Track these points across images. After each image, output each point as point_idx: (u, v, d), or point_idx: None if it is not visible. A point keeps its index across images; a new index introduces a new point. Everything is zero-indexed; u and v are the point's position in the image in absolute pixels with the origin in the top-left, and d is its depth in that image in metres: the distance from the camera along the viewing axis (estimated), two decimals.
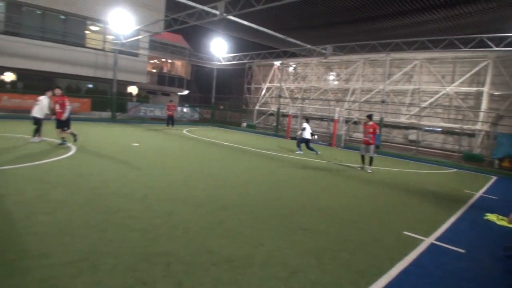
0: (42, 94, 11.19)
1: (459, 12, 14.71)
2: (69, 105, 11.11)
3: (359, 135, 25.13)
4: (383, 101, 20.77)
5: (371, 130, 11.28)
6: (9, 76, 22.65)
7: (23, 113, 19.77)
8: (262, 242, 4.41)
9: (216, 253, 3.96)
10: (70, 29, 23.65)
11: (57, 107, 10.83)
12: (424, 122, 21.90)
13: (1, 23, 21.06)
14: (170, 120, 21.80)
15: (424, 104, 22.13)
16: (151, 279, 3.26)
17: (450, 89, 21.15)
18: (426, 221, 6.31)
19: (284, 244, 4.42)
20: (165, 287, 3.16)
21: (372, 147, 11.28)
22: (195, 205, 5.72)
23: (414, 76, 23.01)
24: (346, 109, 24.91)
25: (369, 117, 11.53)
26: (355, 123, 25.47)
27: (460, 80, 20.84)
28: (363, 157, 11.59)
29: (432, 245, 5.00)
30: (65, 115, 10.86)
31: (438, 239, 5.25)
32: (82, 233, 4.15)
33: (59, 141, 10.87)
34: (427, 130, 22.54)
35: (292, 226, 5.15)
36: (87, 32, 24.64)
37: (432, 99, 21.89)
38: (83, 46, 24.08)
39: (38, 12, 22.33)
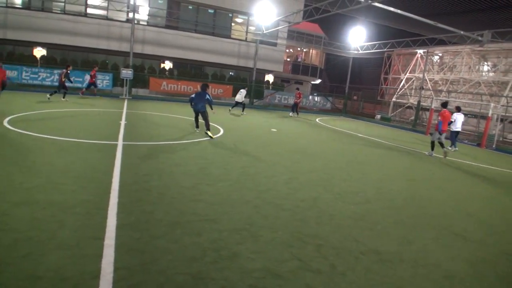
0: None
1: None
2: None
3: None
4: None
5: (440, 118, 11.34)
6: (167, 64, 26.21)
7: (178, 97, 22.78)
8: (410, 240, 4.22)
9: (363, 243, 3.95)
10: (218, 21, 26.01)
11: None
12: None
13: (163, 19, 24.43)
14: (295, 107, 21.80)
15: None
16: (306, 257, 3.46)
17: None
18: None
19: (433, 247, 4.14)
20: (319, 266, 3.32)
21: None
22: (337, 194, 5.78)
23: None
24: (502, 105, 21.44)
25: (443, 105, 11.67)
26: None
27: None
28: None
29: None
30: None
31: None
32: (240, 206, 4.64)
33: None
34: None
35: (441, 229, 4.77)
36: (232, 24, 26.73)
37: None
38: (228, 37, 26.25)
39: (191, 7, 25.14)
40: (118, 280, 2.73)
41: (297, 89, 22.58)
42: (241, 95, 18.07)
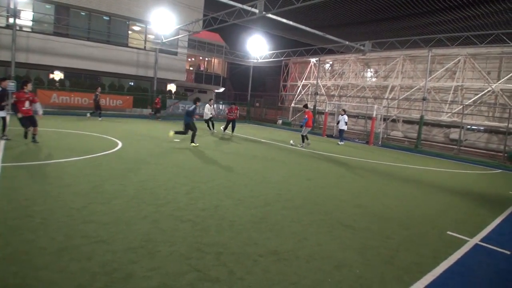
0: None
1: (508, 7, 14.01)
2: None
3: (397, 133, 24.54)
4: (424, 99, 20.18)
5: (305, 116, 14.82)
6: (57, 75, 24.01)
7: (71, 110, 20.98)
8: (306, 237, 4.54)
9: (263, 245, 4.13)
10: (114, 29, 24.74)
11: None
12: (467, 120, 21.05)
13: (50, 25, 22.37)
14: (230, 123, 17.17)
15: (467, 102, 21.28)
16: (204, 267, 3.49)
17: (496, 86, 20.20)
18: (470, 221, 6.19)
19: (327, 240, 4.53)
20: (217, 274, 3.37)
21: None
22: (238, 199, 5.93)
23: (457, 73, 22.17)
24: (384, 106, 24.39)
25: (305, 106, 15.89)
26: (394, 121, 24.90)
27: (507, 77, 19.84)
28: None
29: (476, 245, 4.93)
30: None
31: (482, 240, 5.16)
32: (136, 222, 4.47)
33: None
34: (470, 129, 21.66)
35: (333, 222, 5.24)
36: (129, 32, 25.65)
37: (476, 97, 21.00)
38: (125, 45, 25.11)
39: (84, 13, 23.50)
40: None
41: (233, 103, 18.05)
42: (208, 110, 16.63)
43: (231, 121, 16.76)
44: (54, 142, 10.17)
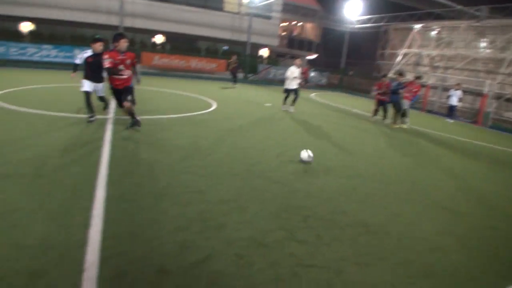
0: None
1: None
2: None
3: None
4: None
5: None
6: (159, 39, 25.67)
7: (170, 72, 22.47)
8: (398, 213, 4.29)
9: (351, 215, 4.02)
10: None
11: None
12: None
13: None
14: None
15: None
16: (292, 228, 3.53)
17: None
18: None
19: (421, 220, 4.22)
20: (305, 237, 3.39)
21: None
22: (328, 167, 5.82)
23: None
24: (498, 82, 21.37)
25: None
26: (509, 100, 21.80)
27: None
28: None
29: None
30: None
31: None
32: (229, 178, 4.68)
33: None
34: None
35: (429, 202, 4.85)
36: None
37: None
38: (221, 10, 25.65)
39: None
40: (105, 249, 2.78)
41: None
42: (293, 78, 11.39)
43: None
44: (156, 101, 11.04)
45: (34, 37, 20.49)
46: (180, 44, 25.40)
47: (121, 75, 6.31)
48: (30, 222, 3.06)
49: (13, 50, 18.66)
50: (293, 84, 11.40)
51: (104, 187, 3.92)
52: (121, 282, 2.45)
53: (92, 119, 7.01)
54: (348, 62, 31.99)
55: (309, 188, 4.70)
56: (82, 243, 2.80)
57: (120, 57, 6.20)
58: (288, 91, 11.59)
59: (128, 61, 6.35)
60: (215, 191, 4.19)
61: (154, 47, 24.15)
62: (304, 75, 16.84)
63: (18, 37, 20.14)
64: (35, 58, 19.07)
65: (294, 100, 11.71)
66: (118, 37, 6.21)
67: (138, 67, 6.85)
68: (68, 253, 2.68)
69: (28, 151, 4.85)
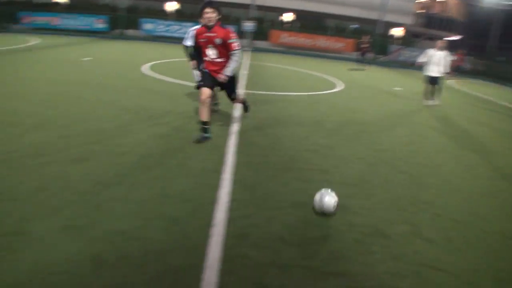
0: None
1: None
2: None
3: None
4: None
5: None
6: (288, 17, 25.84)
7: (296, 50, 22.58)
8: None
9: (491, 222, 3.46)
10: None
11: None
12: None
13: None
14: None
15: None
16: (419, 223, 3.22)
17: None
18: None
19: None
20: (432, 236, 3.05)
21: None
22: (467, 165, 5.13)
23: None
24: None
25: None
26: None
27: None
28: None
29: None
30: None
31: None
32: (354, 161, 4.54)
33: None
34: None
35: None
36: None
37: None
38: None
39: None
40: (232, 209, 2.98)
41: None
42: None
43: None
44: (283, 78, 11.27)
45: (178, 16, 22.82)
46: (308, 22, 25.20)
47: (214, 59, 4.62)
48: (173, 176, 3.49)
49: (160, 27, 21.14)
50: (434, 71, 9.29)
51: (234, 154, 4.22)
52: (244, 243, 2.60)
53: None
54: (499, 46, 27.36)
55: (442, 184, 4.22)
56: (212, 200, 3.07)
57: (206, 34, 4.49)
58: (430, 80, 9.40)
59: (218, 40, 4.44)
60: (339, 173, 4.10)
61: (281, 25, 24.49)
62: (457, 62, 14.58)
63: (164, 15, 22.72)
64: (177, 34, 21.24)
65: (434, 92, 9.58)
66: (202, 7, 4.41)
67: (237, 54, 4.58)
68: (201, 208, 2.97)
69: (171, 116, 5.48)
